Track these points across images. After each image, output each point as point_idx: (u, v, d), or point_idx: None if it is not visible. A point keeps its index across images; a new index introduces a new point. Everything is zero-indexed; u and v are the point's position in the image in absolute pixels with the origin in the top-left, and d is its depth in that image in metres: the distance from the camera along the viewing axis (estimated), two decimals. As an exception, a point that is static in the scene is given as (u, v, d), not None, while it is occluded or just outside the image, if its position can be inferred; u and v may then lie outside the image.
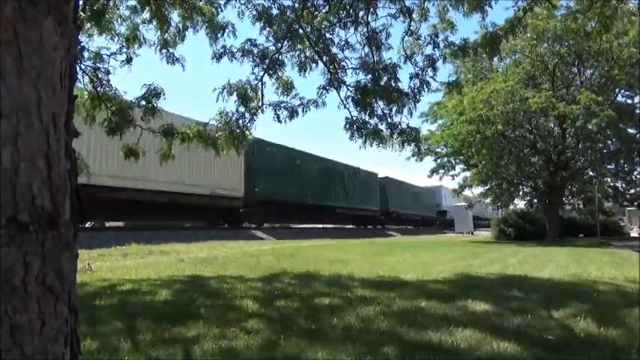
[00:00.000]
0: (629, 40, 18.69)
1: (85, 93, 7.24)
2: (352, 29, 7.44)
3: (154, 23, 7.10)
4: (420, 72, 7.55)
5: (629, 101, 23.62)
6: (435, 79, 7.64)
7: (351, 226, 33.14)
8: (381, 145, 7.77)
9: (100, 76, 7.36)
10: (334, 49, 7.70)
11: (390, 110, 7.68)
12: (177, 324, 3.75)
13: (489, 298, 5.02)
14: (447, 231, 41.37)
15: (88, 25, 6.67)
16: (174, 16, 7.25)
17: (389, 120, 7.75)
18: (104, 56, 7.34)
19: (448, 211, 45.61)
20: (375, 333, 3.60)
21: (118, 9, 7.14)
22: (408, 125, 7.87)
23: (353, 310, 4.34)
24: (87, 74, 7.27)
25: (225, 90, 7.42)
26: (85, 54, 7.11)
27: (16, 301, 0.76)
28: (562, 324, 3.94)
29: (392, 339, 3.42)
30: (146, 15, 7.11)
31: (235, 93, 7.45)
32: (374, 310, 4.36)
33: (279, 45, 7.45)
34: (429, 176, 26.32)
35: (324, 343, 3.26)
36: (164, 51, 7.44)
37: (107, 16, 6.88)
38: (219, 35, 7.34)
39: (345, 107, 7.79)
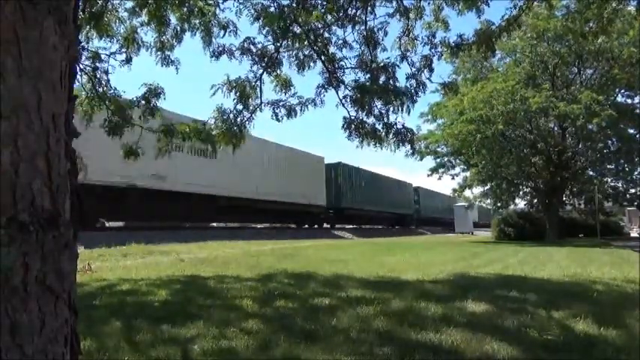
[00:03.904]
0: (629, 40, 18.68)
1: (84, 92, 7.22)
2: (350, 28, 7.45)
3: (152, 25, 7.08)
4: (417, 72, 7.54)
5: (629, 101, 23.65)
6: (431, 81, 7.64)
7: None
8: (378, 145, 7.78)
9: (98, 75, 7.35)
10: (332, 49, 7.70)
11: (388, 110, 7.67)
12: (176, 324, 3.74)
13: (489, 298, 5.01)
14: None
15: (87, 27, 6.65)
16: (173, 19, 7.23)
17: (385, 120, 7.74)
18: (103, 56, 7.33)
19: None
20: (375, 333, 3.59)
21: (117, 11, 7.12)
22: (403, 126, 7.85)
23: (352, 310, 4.34)
24: (86, 74, 7.26)
25: (225, 86, 7.39)
26: (84, 54, 7.09)
27: (16, 301, 0.76)
28: (562, 324, 3.94)
29: (391, 339, 3.42)
30: (144, 18, 7.09)
31: (234, 90, 7.43)
32: (373, 310, 4.35)
33: (278, 44, 7.43)
34: (428, 175, 26.47)
35: (324, 343, 3.26)
36: (159, 53, 7.42)
37: (105, 18, 6.86)
38: (222, 35, 7.32)
39: (343, 106, 7.80)
